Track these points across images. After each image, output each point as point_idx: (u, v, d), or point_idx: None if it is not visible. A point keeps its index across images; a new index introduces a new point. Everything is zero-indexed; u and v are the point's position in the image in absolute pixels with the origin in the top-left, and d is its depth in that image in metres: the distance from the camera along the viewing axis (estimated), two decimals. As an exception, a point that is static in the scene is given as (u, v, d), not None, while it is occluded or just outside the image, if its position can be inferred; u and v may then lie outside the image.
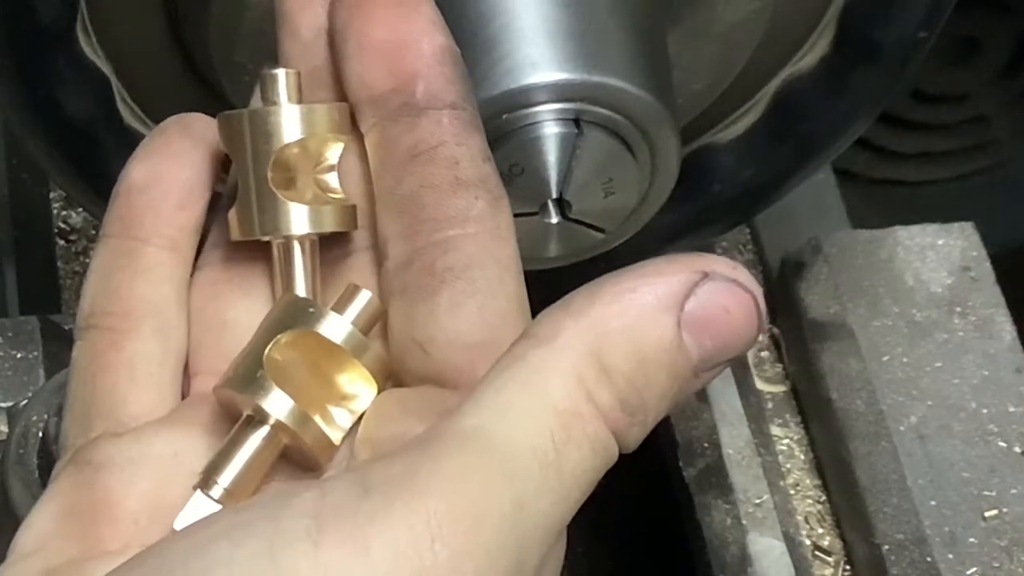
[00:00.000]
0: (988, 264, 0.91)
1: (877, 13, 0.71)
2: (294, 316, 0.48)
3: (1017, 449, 0.85)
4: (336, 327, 0.47)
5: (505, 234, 0.49)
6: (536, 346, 0.44)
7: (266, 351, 0.47)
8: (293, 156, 0.50)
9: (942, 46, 1.09)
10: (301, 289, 0.50)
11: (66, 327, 0.84)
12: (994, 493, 0.84)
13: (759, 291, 0.45)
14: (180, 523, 0.46)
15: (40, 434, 0.68)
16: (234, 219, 0.50)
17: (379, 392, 0.48)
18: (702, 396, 0.88)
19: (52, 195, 0.94)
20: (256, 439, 0.47)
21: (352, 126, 0.50)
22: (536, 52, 0.61)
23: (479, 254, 0.48)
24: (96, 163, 0.70)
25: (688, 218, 0.78)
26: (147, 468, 0.47)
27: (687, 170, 0.68)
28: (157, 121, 0.70)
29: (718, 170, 0.77)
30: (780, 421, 0.91)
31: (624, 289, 0.44)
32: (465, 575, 0.41)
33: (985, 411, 0.86)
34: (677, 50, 0.68)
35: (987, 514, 0.83)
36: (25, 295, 0.92)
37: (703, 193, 0.77)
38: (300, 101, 0.50)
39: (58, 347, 0.82)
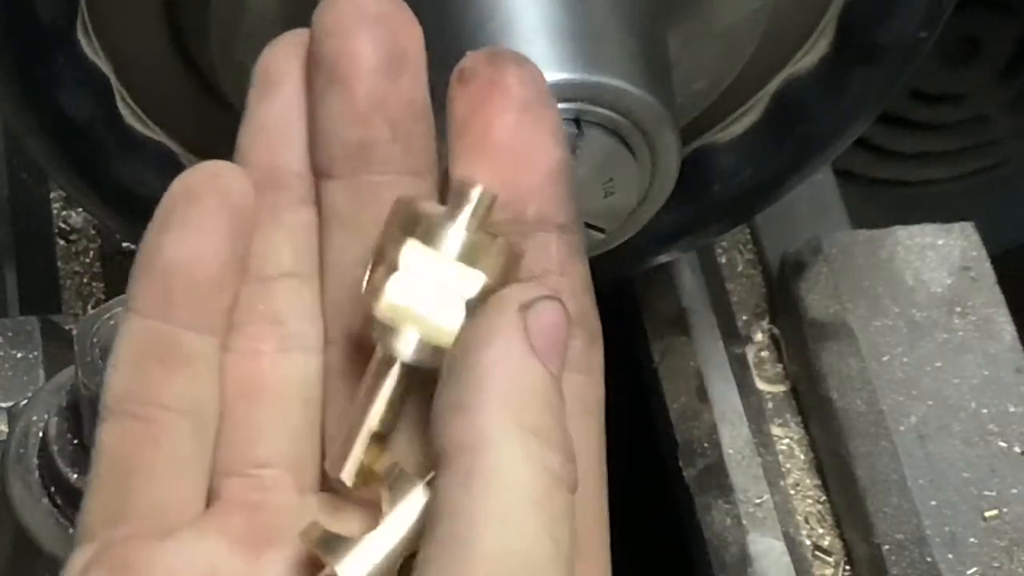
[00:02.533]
0: (988, 264, 0.91)
1: (877, 13, 0.71)
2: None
3: (1017, 449, 0.85)
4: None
5: (596, 376, 0.46)
6: (483, 460, 0.41)
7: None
8: None
9: (942, 46, 1.09)
10: (379, 408, 0.45)
11: (66, 327, 0.84)
12: (994, 493, 0.84)
13: (566, 289, 0.44)
14: None
15: (40, 434, 0.68)
16: None
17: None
18: (702, 396, 0.88)
19: (52, 195, 0.94)
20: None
21: None
22: (536, 52, 0.61)
23: (568, 398, 0.44)
24: (96, 163, 0.70)
25: (688, 218, 0.78)
26: None
27: (687, 170, 0.68)
28: (157, 121, 0.71)
29: (718, 170, 0.77)
30: (780, 421, 0.91)
31: (492, 363, 0.42)
32: None
33: (985, 411, 0.86)
34: (677, 50, 0.68)
35: (987, 514, 0.83)
36: (25, 295, 0.91)
37: (703, 193, 0.77)
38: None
39: (58, 347, 0.82)
